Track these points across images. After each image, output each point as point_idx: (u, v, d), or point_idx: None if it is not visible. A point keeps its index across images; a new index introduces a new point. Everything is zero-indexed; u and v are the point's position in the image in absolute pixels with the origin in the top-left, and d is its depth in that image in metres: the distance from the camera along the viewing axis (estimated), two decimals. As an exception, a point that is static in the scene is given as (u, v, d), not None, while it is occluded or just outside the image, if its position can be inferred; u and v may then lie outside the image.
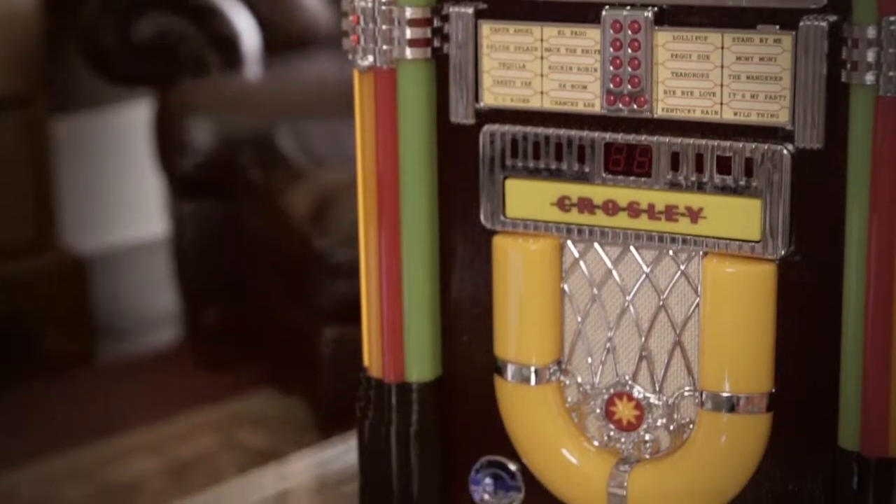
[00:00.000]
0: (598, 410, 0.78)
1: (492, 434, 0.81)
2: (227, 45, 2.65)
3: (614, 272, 0.76)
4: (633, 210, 0.74)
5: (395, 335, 0.81)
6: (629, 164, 0.74)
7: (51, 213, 2.67)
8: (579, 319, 0.78)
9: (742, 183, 0.72)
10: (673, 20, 0.72)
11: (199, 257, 2.62)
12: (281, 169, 2.38)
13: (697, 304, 0.74)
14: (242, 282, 2.53)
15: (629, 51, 0.73)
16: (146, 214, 3.08)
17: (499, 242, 0.78)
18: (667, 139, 0.73)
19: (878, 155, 0.68)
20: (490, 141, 0.77)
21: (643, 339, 0.76)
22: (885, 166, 0.68)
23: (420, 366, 0.81)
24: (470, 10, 0.76)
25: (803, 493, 0.74)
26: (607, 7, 0.73)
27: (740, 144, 0.71)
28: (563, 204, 0.76)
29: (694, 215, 0.73)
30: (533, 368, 0.78)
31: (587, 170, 0.75)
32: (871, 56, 0.67)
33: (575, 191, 0.76)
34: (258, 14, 2.68)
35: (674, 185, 0.73)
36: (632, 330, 0.77)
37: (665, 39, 0.72)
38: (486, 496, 0.82)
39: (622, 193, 0.75)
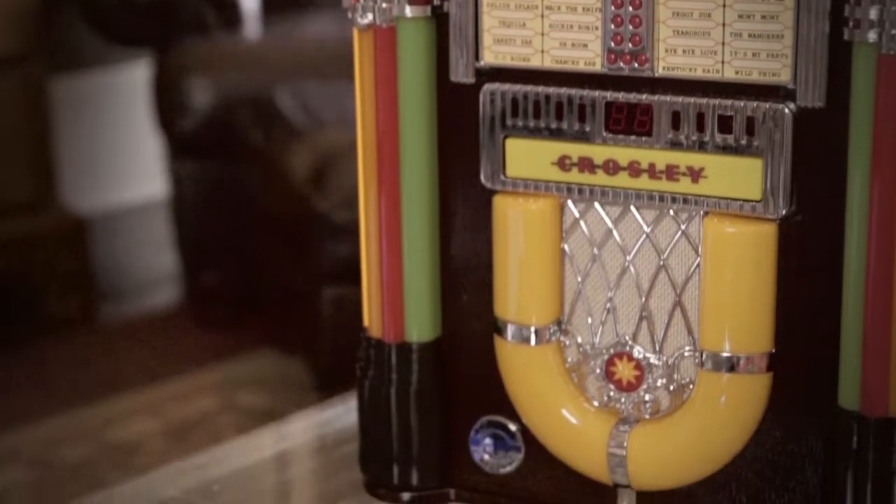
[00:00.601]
0: (598, 371, 0.78)
1: (492, 394, 0.81)
2: (227, 5, 2.64)
3: (615, 232, 0.76)
4: (634, 169, 0.74)
5: (395, 295, 0.81)
6: (630, 123, 0.74)
7: (50, 174, 2.66)
8: (579, 279, 0.78)
9: (743, 142, 0.71)
10: (674, -22, 0.72)
11: (199, 218, 2.61)
12: (280, 130, 2.38)
13: (698, 264, 0.74)
14: (242, 243, 2.53)
15: (630, 9, 0.73)
16: (146, 175, 3.08)
17: (499, 202, 0.78)
18: (668, 98, 0.73)
19: (880, 113, 0.67)
20: (490, 100, 0.77)
21: (643, 299, 0.76)
22: (887, 125, 0.67)
23: (420, 326, 0.81)
24: (470, -32, 0.76)
25: (803, 452, 0.74)
26: (608, -35, 0.73)
27: (742, 103, 0.71)
28: (563, 163, 0.76)
29: (695, 175, 0.73)
30: (533, 328, 0.78)
31: (588, 129, 0.75)
32: (873, 14, 0.67)
33: (575, 150, 0.75)
34: (257, -27, 2.67)
35: (675, 145, 0.73)
36: (632, 290, 0.76)
37: (666, -3, 0.72)
38: (486, 456, 0.82)
39: (623, 153, 0.74)
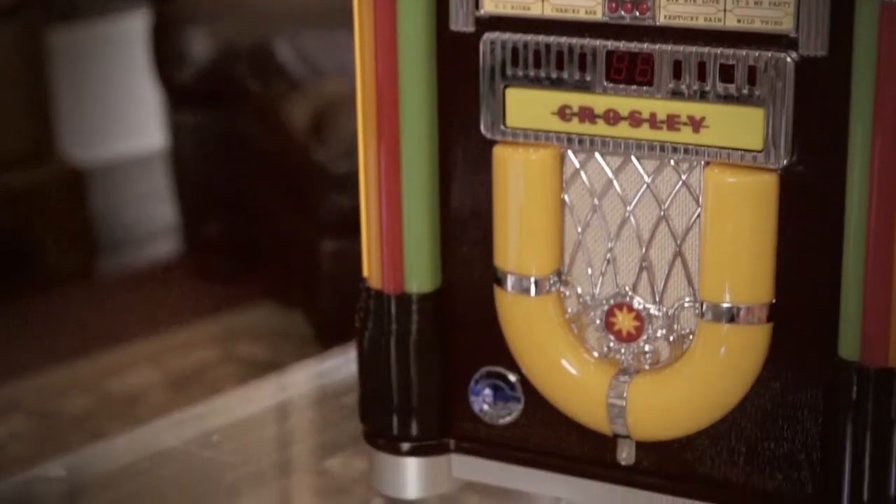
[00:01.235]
0: (597, 321, 0.78)
1: (491, 345, 0.81)
2: (225, -46, 2.62)
3: (615, 182, 0.76)
4: (635, 119, 0.74)
5: (395, 246, 0.81)
6: (631, 72, 0.73)
7: (48, 125, 2.65)
8: (579, 230, 0.77)
9: (745, 91, 0.71)
10: (676, -74, 0.71)
11: (198, 169, 2.61)
12: (280, 80, 2.37)
13: (698, 215, 0.74)
14: (242, 194, 2.52)
15: (632, -43, 0.72)
16: (145, 126, 3.07)
17: (499, 152, 0.78)
18: (669, 47, 0.72)
19: (882, 63, 0.67)
20: (490, 49, 0.76)
21: (643, 249, 0.76)
22: (890, 74, 0.67)
23: (419, 276, 0.81)
24: (470, -84, 0.75)
25: (802, 403, 0.74)
26: (610, -88, 0.72)
27: (743, 52, 0.71)
28: (563, 113, 0.75)
29: (696, 124, 0.72)
30: (533, 279, 0.78)
31: (588, 78, 0.75)
32: (877, -38, 0.66)
33: (576, 100, 0.75)
34: (256, -77, 2.65)
35: (676, 94, 0.73)
36: (632, 241, 0.76)
37: (668, -55, 0.71)
38: (486, 406, 0.82)
39: (623, 102, 0.74)
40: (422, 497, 0.85)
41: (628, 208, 0.76)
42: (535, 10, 0.75)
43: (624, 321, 0.77)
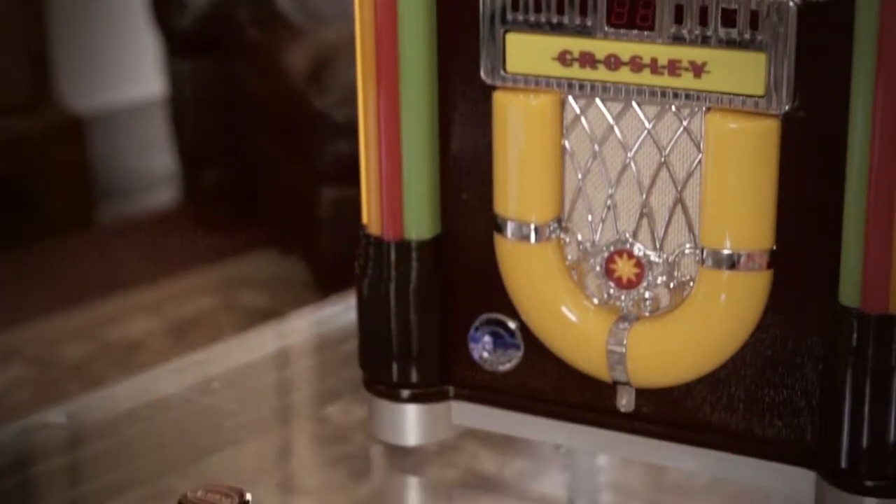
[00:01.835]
0: (597, 268, 0.78)
1: (491, 292, 0.81)
2: None
3: (616, 128, 0.76)
4: (636, 64, 0.73)
5: (394, 192, 0.80)
6: (632, 17, 0.73)
7: (46, 72, 2.64)
8: (580, 176, 0.77)
9: (747, 36, 0.70)
10: None
11: (197, 117, 2.60)
12: (279, 26, 2.36)
13: (699, 161, 0.73)
14: (241, 141, 2.52)
15: None
16: (143, 74, 3.05)
17: (499, 98, 0.77)
18: (670, -8, 0.72)
19: (885, 8, 0.66)
20: (490, -6, 0.76)
21: (644, 196, 0.76)
22: (893, 19, 0.66)
23: (419, 223, 0.81)
24: None
25: (803, 349, 0.74)
26: None
27: (746, -3, 0.70)
28: (564, 58, 0.75)
29: (697, 70, 0.72)
30: (533, 226, 0.78)
31: (589, 23, 0.74)
32: None
33: (576, 45, 0.74)
34: None
35: (677, 39, 0.72)
36: (633, 187, 0.76)
37: None
38: (486, 354, 0.82)
39: (624, 47, 0.73)
40: (421, 444, 0.85)
41: (629, 154, 0.76)
42: (536, -45, 0.75)
43: (624, 268, 0.77)
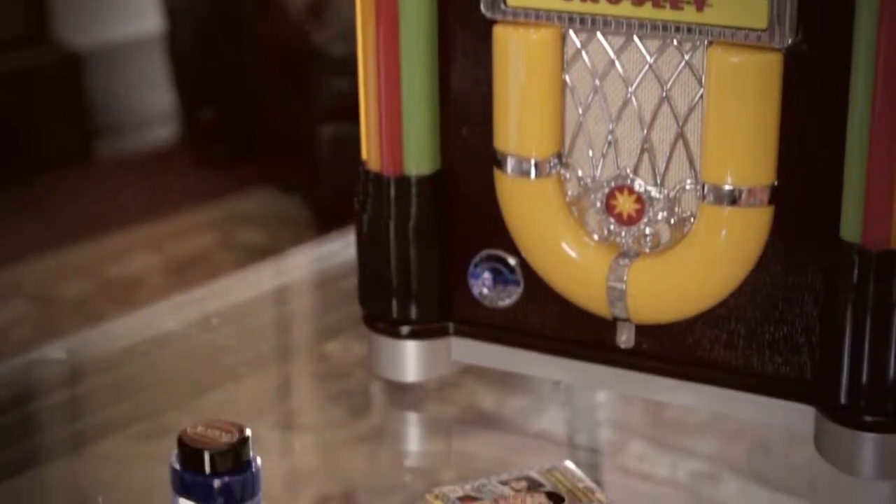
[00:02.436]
0: (598, 204, 0.78)
1: (491, 228, 0.80)
2: None
3: (617, 63, 0.75)
4: (637, -2, 0.73)
5: (394, 128, 0.80)
6: (634, -51, 0.72)
7: (43, 7, 2.62)
8: (580, 112, 0.77)
9: (750, -30, 0.70)
10: None
11: (196, 53, 2.59)
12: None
13: (701, 96, 0.73)
14: (239, 78, 2.50)
15: None
16: (142, 9, 3.03)
17: (499, 32, 0.77)
18: (673, -76, 0.71)
19: (891, -60, 0.66)
20: (491, -74, 0.75)
21: (645, 131, 0.75)
22: (898, -48, 0.66)
23: (418, 159, 0.80)
24: None
25: (803, 286, 0.74)
26: None
27: (749, -71, 0.69)
28: (565, -8, 0.74)
29: (699, 3, 0.71)
30: (533, 161, 0.77)
31: (590, -43, 0.73)
32: None
33: (577, -22, 0.74)
34: None
35: (679, -27, 0.71)
36: (634, 122, 0.75)
37: None
38: (485, 290, 0.82)
39: (626, -19, 0.73)
40: (421, 380, 0.85)
41: (630, 89, 0.75)
42: None
43: (625, 204, 0.77)
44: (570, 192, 0.78)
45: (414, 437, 0.88)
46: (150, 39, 2.94)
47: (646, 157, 0.76)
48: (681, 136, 0.74)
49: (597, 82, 0.76)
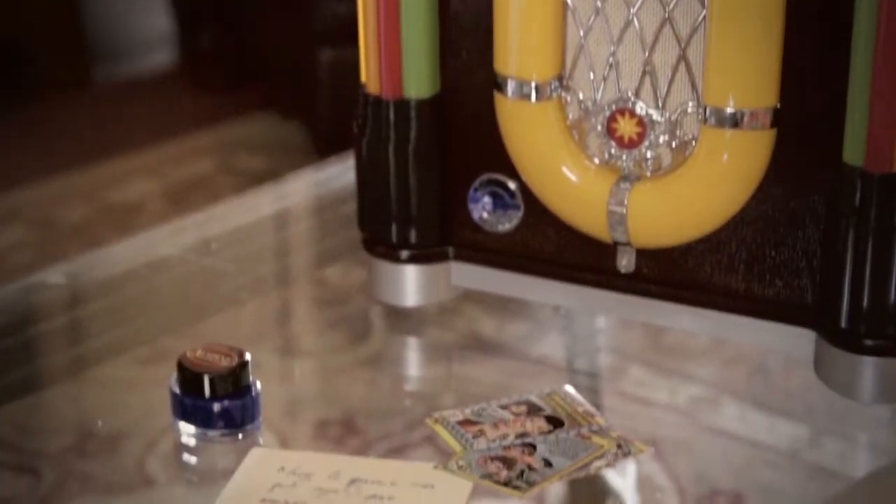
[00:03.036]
0: (599, 127, 0.77)
1: (491, 152, 0.80)
2: None
3: (618, -16, 0.74)
4: (640, -82, 0.72)
5: (393, 51, 0.79)
6: None
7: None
8: (581, 33, 0.76)
9: None
10: None
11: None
12: None
13: (704, 17, 0.72)
14: (238, 2, 2.49)
15: None
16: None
17: (499, -47, 0.76)
18: None
19: None
20: None
21: (647, 53, 0.74)
22: None
23: (418, 82, 0.80)
24: None
25: (804, 209, 0.73)
26: None
27: None
28: (566, -88, 0.73)
29: (703, -77, 0.70)
30: (533, 84, 0.77)
31: None
32: None
33: None
34: None
35: None
36: (635, 44, 0.75)
37: None
38: (485, 214, 0.82)
39: None
40: (420, 305, 0.85)
41: (632, 11, 0.74)
42: None
43: (626, 127, 0.76)
44: (570, 116, 0.78)
45: (414, 362, 0.88)
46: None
47: (647, 79, 0.75)
48: (683, 58, 0.74)
49: (598, 3, 0.75)
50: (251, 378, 0.74)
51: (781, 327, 0.76)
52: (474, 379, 0.84)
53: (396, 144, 0.81)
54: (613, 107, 0.76)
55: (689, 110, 0.74)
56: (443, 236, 0.83)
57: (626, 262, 0.79)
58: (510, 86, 0.77)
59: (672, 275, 0.78)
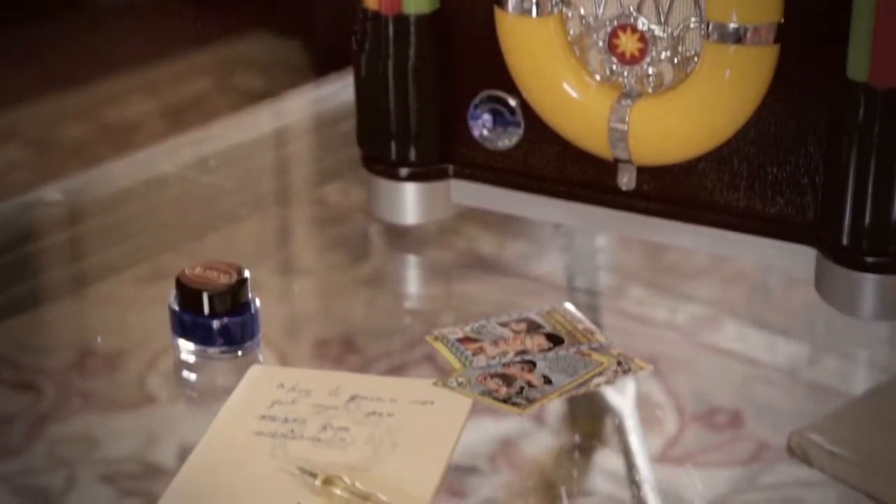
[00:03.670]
0: (600, 43, 0.76)
1: (491, 68, 0.79)
2: None
3: None
4: None
5: (392, -35, 0.78)
6: None
7: None
8: (583, -52, 0.75)
9: None
10: None
11: None
12: None
13: (707, -70, 0.71)
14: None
15: None
16: None
17: None
18: None
19: None
20: None
21: (649, -32, 0.74)
22: None
23: (418, -3, 0.79)
24: None
25: (807, 126, 0.73)
26: None
27: None
28: None
29: None
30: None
31: None
32: None
33: None
34: None
35: None
36: (638, -41, 0.74)
37: None
38: (485, 131, 0.81)
39: None
40: (420, 223, 0.85)
41: (634, -75, 0.73)
42: None
43: (627, 43, 0.76)
44: (571, 31, 0.77)
45: (413, 280, 0.88)
46: None
47: (649, -6, 0.74)
48: (686, -28, 0.73)
49: (600, -83, 0.74)
50: (250, 295, 0.74)
51: (782, 245, 0.76)
52: (474, 297, 0.84)
53: (396, 61, 0.80)
54: (615, 22, 0.75)
55: (692, 26, 0.74)
56: (442, 154, 0.82)
57: (626, 180, 0.78)
58: (511, 1, 0.76)
59: (673, 192, 0.77)
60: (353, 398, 0.70)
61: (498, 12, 0.77)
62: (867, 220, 0.71)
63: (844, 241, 0.72)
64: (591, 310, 0.81)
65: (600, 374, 0.71)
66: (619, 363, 0.72)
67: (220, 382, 0.72)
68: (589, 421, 0.72)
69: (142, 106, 2.21)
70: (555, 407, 0.71)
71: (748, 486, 0.67)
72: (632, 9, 0.75)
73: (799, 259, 0.75)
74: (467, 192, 0.83)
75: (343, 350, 0.78)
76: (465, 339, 0.74)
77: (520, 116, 0.80)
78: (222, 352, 0.73)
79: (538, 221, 0.85)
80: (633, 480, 0.68)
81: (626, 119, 0.75)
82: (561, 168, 0.80)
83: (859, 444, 0.66)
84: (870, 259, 0.72)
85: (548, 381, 0.70)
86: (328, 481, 0.62)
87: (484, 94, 0.81)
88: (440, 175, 0.83)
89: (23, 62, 2.36)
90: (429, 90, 0.81)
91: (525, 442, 0.69)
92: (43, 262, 0.89)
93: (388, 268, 0.89)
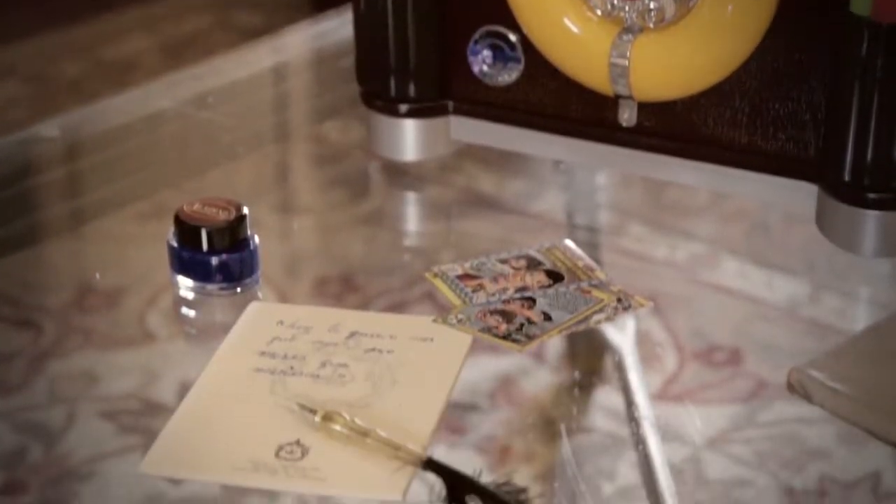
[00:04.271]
0: (601, -20, 0.76)
1: (491, 3, 0.79)
2: None
3: None
4: None
5: None
6: None
7: None
8: None
9: None
10: None
11: None
12: None
13: None
14: None
15: None
16: None
17: None
18: None
19: None
20: None
21: None
22: None
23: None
24: None
25: (809, 62, 0.72)
26: None
27: None
28: None
29: None
30: (535, -67, 0.75)
31: None
32: None
33: None
34: None
35: None
36: None
37: None
38: (485, 67, 0.81)
39: None
40: (420, 159, 0.84)
41: None
42: None
43: (629, -22, 0.75)
44: (572, -34, 0.76)
45: (413, 217, 0.88)
46: None
47: (652, -71, 0.74)
48: None
49: None
50: (249, 232, 0.74)
51: (783, 181, 0.75)
52: (474, 234, 0.84)
53: (395, -4, 0.79)
54: (616, -44, 0.75)
55: (694, -40, 0.73)
56: (442, 90, 0.82)
57: (627, 116, 0.78)
58: (511, -65, 0.76)
59: (674, 128, 0.77)
60: (352, 335, 0.70)
61: (498, -54, 0.77)
62: (869, 156, 0.71)
63: (846, 178, 0.72)
64: (592, 247, 0.80)
65: (600, 310, 0.71)
66: (618, 300, 0.72)
67: (220, 319, 0.72)
68: (589, 358, 0.72)
69: (140, 42, 2.20)
70: (554, 344, 0.71)
71: (747, 422, 0.67)
72: (633, -57, 0.74)
73: (800, 196, 0.75)
74: (467, 129, 0.82)
75: (342, 288, 0.78)
76: (465, 276, 0.74)
77: (520, 52, 0.79)
78: (221, 288, 0.73)
79: (538, 158, 0.85)
80: (632, 417, 0.68)
81: (628, 54, 0.75)
82: (561, 104, 0.80)
83: (860, 381, 0.66)
84: (871, 195, 0.72)
85: (548, 317, 0.70)
86: (327, 417, 0.62)
87: (484, 29, 0.80)
88: (440, 111, 0.82)
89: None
90: (428, 26, 0.80)
91: (525, 379, 0.69)
92: (41, 199, 0.89)
93: (388, 205, 0.89)
